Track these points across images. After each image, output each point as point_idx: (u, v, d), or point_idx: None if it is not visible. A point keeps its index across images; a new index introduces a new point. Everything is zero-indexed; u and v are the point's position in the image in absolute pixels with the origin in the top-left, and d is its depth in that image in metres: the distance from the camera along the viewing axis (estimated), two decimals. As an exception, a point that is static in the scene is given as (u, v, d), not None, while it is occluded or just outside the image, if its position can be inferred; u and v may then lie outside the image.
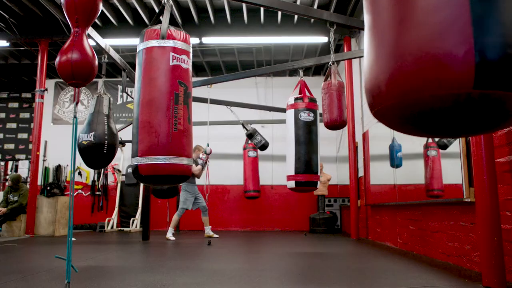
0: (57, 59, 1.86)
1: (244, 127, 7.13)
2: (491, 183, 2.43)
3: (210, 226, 6.59)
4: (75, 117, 1.94)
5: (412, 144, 4.32)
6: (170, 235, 6.15)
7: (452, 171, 3.60)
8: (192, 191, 6.41)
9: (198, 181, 7.04)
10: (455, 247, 3.27)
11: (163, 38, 2.74)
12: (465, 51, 0.84)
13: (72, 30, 1.95)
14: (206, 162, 6.31)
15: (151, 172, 2.58)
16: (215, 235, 6.40)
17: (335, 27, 3.69)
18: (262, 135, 7.17)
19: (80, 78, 1.89)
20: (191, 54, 2.86)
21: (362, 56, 5.29)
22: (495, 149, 2.54)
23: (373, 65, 1.01)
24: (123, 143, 7.73)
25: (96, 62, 2.04)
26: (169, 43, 2.73)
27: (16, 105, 10.17)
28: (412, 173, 4.39)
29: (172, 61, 2.71)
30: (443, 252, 3.48)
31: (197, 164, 6.17)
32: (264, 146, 7.16)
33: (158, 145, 2.57)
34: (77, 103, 1.99)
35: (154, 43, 2.73)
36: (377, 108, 1.01)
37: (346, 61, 6.23)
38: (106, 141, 4.16)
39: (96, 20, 6.59)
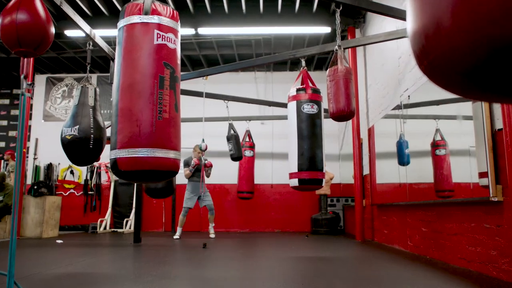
0: (-2, 21, 1.49)
1: (231, 129, 6.75)
2: (529, 179, 2.07)
3: (213, 224, 6.64)
4: (22, 94, 1.59)
5: (424, 139, 3.98)
6: (176, 235, 6.28)
7: (462, 169, 3.28)
8: (193, 190, 6.32)
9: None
10: (478, 252, 2.92)
11: (146, 13, 2.37)
12: None
13: (20, -15, 1.59)
14: (198, 164, 6.15)
15: (132, 166, 2.22)
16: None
17: (341, 7, 3.34)
18: (238, 146, 6.76)
19: (28, 45, 1.52)
20: (179, 33, 2.50)
21: (368, 44, 4.93)
22: (532, 139, 2.19)
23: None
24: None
25: (52, 28, 1.66)
26: (154, 19, 2.37)
27: (7, 101, 9.85)
28: (423, 171, 4.04)
29: (157, 40, 2.35)
30: (463, 257, 3.12)
31: (188, 164, 6.20)
32: (233, 158, 6.84)
33: (139, 136, 2.22)
34: (25, 77, 1.64)
35: (136, 19, 2.37)
36: (434, 55, 0.65)
37: (350, 51, 5.87)
38: (91, 135, 3.81)
39: (86, 9, 6.23)
